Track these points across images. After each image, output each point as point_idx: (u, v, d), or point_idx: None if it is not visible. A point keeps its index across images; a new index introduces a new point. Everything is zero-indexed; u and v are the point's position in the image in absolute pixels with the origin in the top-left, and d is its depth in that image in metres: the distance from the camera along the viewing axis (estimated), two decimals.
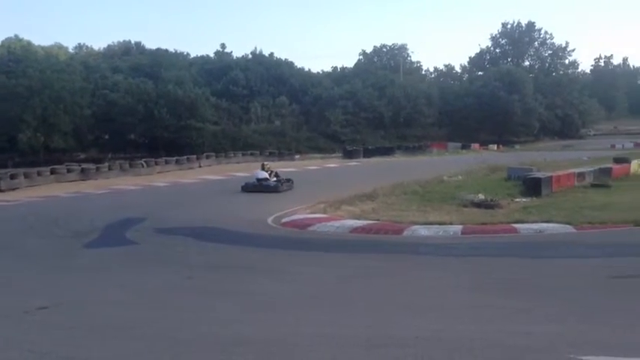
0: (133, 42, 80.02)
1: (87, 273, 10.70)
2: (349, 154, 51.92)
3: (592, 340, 5.94)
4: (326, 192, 21.94)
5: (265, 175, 25.00)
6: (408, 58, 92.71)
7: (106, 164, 37.51)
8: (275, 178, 25.38)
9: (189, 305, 7.91)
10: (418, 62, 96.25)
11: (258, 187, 24.46)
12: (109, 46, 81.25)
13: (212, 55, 76.08)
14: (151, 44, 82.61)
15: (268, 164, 27.36)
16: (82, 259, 12.10)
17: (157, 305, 7.99)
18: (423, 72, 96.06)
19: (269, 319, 7.13)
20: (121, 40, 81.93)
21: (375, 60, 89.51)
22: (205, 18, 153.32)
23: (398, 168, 34.93)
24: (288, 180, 26.03)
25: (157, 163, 39.86)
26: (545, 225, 13.85)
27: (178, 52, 77.68)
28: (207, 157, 46.06)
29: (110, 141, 56.85)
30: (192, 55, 78.69)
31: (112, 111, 53.67)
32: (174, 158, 42.35)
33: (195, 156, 44.56)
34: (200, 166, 42.78)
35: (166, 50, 73.93)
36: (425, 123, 71.32)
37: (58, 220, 17.35)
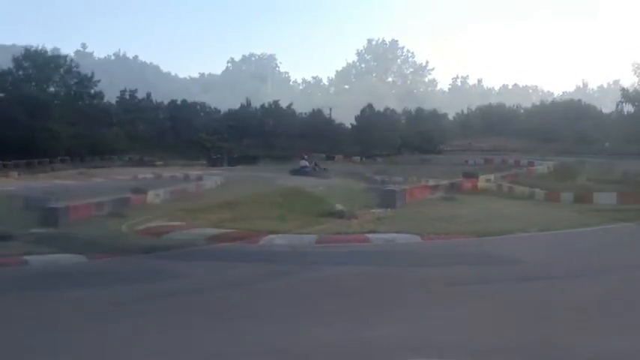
0: None
1: None
2: (213, 162, 51.54)
3: (426, 343, 6.25)
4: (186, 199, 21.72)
5: (306, 163, 38.02)
6: (277, 69, 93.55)
7: None
8: (313, 166, 38.46)
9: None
10: (286, 73, 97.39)
11: (300, 171, 36.44)
12: None
13: (72, 54, 72.47)
14: (7, 40, 76.96)
15: (307, 156, 41.21)
16: None
17: None
18: (291, 83, 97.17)
19: (107, 329, 6.97)
20: None
21: (244, 68, 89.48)
22: (65, 15, 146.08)
23: (261, 177, 35.01)
24: (325, 169, 39.33)
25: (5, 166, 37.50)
26: (395, 235, 14.42)
27: (37, 49, 73.28)
28: (62, 161, 43.97)
29: None
30: (51, 53, 74.43)
31: None
32: (25, 161, 40.10)
33: (48, 159, 42.40)
34: (53, 170, 40.76)
35: (24, 47, 69.59)
36: (291, 134, 72.14)
37: None
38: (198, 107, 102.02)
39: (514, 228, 15.79)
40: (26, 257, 12.78)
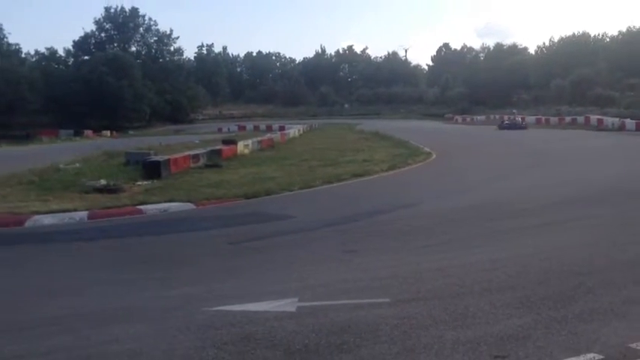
0: None
1: None
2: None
3: (221, 294, 6.88)
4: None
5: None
6: (5, 40, 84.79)
7: None
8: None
9: None
10: (17, 44, 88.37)
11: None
12: None
13: None
14: None
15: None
16: None
17: None
18: (23, 55, 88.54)
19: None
20: None
21: None
22: None
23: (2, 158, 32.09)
24: None
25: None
26: (168, 204, 14.66)
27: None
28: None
29: None
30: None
31: None
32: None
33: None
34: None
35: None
36: (29, 110, 66.75)
37: None
38: (273, 58, 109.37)
39: (279, 188, 17.01)
40: (140, 207, 14.30)
